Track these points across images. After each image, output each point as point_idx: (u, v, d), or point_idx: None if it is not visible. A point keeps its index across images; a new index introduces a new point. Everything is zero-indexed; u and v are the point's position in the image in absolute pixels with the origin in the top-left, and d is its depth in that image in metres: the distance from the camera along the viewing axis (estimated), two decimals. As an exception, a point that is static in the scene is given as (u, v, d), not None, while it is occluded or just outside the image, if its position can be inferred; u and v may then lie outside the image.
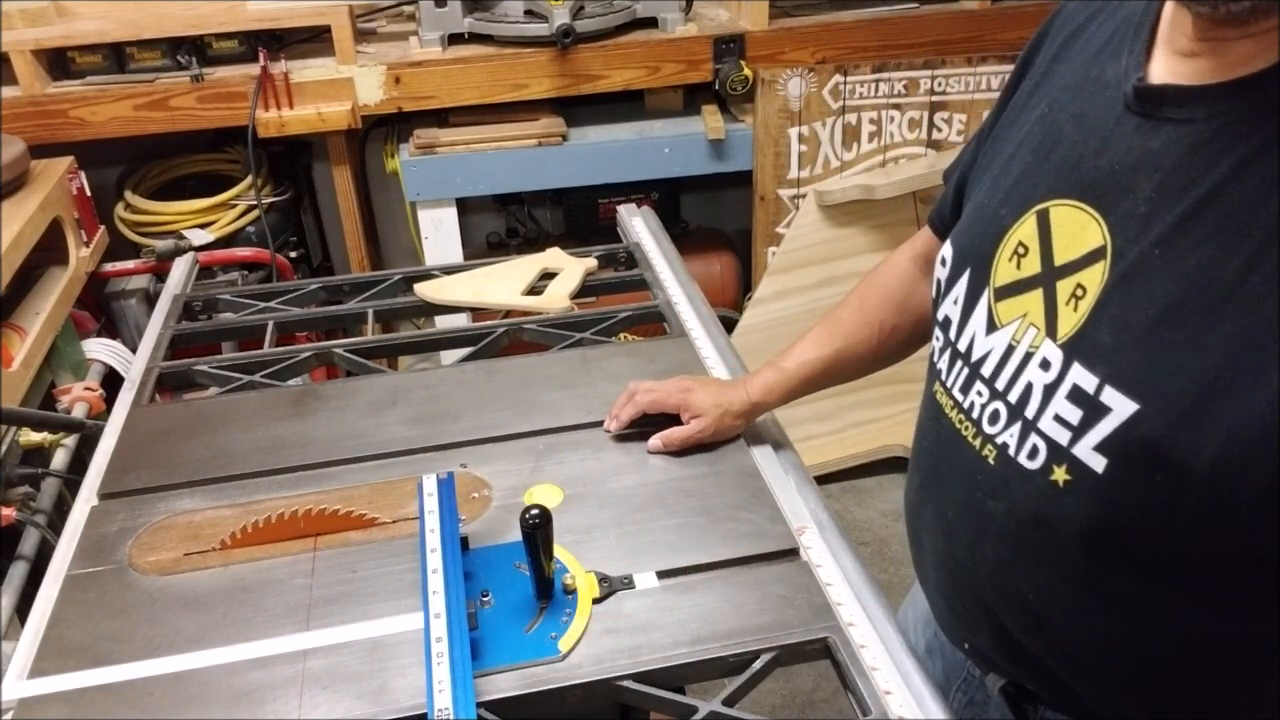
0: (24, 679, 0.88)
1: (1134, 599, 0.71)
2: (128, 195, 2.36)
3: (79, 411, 1.64)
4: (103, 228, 2.20)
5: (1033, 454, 0.72)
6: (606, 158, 2.37)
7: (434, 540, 0.94)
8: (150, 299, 2.19)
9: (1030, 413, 0.72)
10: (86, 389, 1.70)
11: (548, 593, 0.92)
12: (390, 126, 2.49)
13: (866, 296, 1.09)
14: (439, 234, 2.37)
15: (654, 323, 1.44)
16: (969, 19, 2.38)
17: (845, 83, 2.36)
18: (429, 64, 2.26)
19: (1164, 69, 0.68)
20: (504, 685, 0.85)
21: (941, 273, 0.85)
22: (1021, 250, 0.75)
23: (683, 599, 0.93)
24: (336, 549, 1.01)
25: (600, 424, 1.17)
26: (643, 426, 1.14)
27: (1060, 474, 0.70)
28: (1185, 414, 0.61)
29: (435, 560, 0.91)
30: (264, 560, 1.00)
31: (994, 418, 0.76)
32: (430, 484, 1.01)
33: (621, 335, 1.42)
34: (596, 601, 0.92)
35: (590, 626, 0.90)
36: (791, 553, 0.98)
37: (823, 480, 2.54)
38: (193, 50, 2.20)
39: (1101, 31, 0.76)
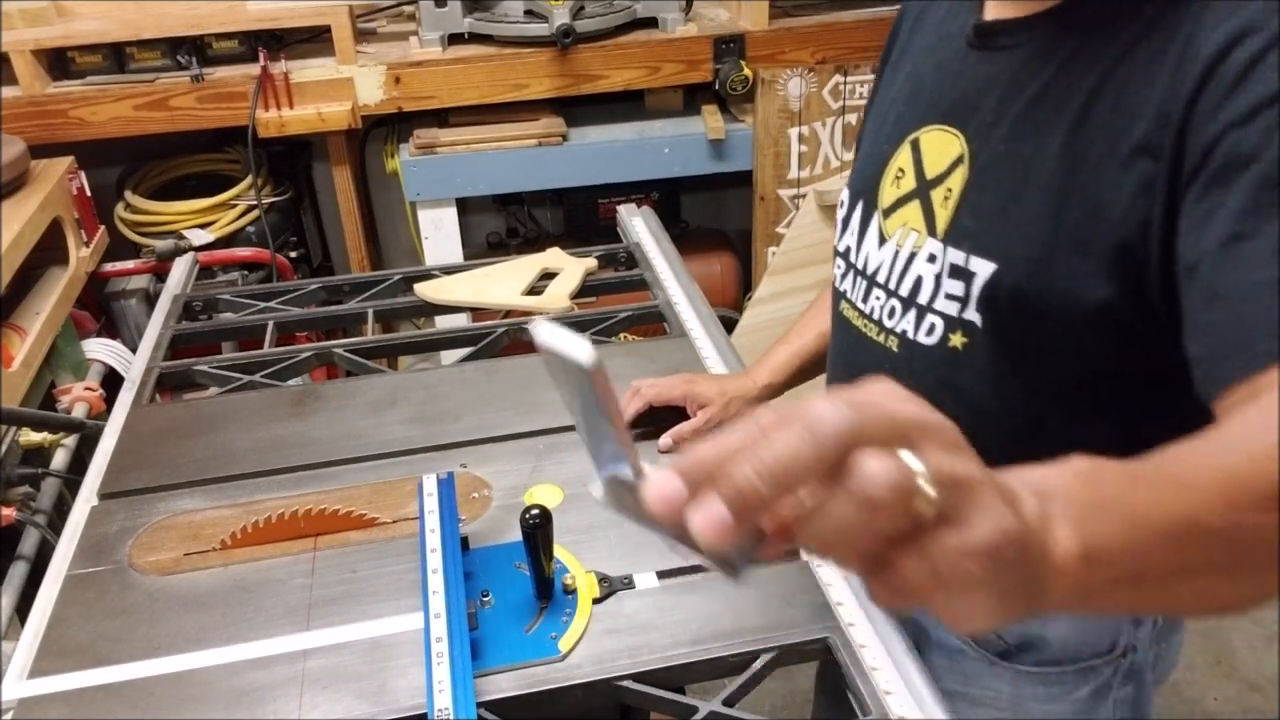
0: (24, 679, 0.88)
1: (1037, 434, 0.82)
2: (128, 195, 2.36)
3: (79, 411, 1.64)
4: (103, 228, 2.20)
5: (930, 331, 0.85)
6: (606, 158, 2.37)
7: (434, 540, 0.94)
8: (150, 299, 2.19)
9: (924, 299, 0.85)
10: (86, 389, 1.69)
11: (548, 593, 0.92)
12: (390, 126, 2.49)
13: None
14: (439, 234, 2.37)
15: (654, 323, 1.44)
16: (969, 19, 2.37)
17: (845, 83, 2.36)
18: (429, 64, 2.26)
19: (994, 11, 0.83)
20: (504, 685, 0.85)
21: (841, 212, 0.98)
22: (900, 173, 0.89)
23: (683, 599, 0.93)
24: (336, 549, 1.01)
25: (600, 424, 1.16)
26: (645, 425, 1.14)
27: (957, 339, 0.83)
28: (1032, 265, 0.76)
29: (435, 560, 0.91)
30: (264, 560, 1.00)
31: (891, 313, 0.89)
32: (430, 484, 1.02)
33: (621, 335, 1.42)
34: (596, 601, 0.92)
35: (590, 626, 0.90)
36: (791, 553, 0.98)
37: (823, 480, 2.53)
38: (193, 50, 2.20)
39: (945, 4, 0.91)
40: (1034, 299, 0.76)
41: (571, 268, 1.56)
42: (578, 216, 2.63)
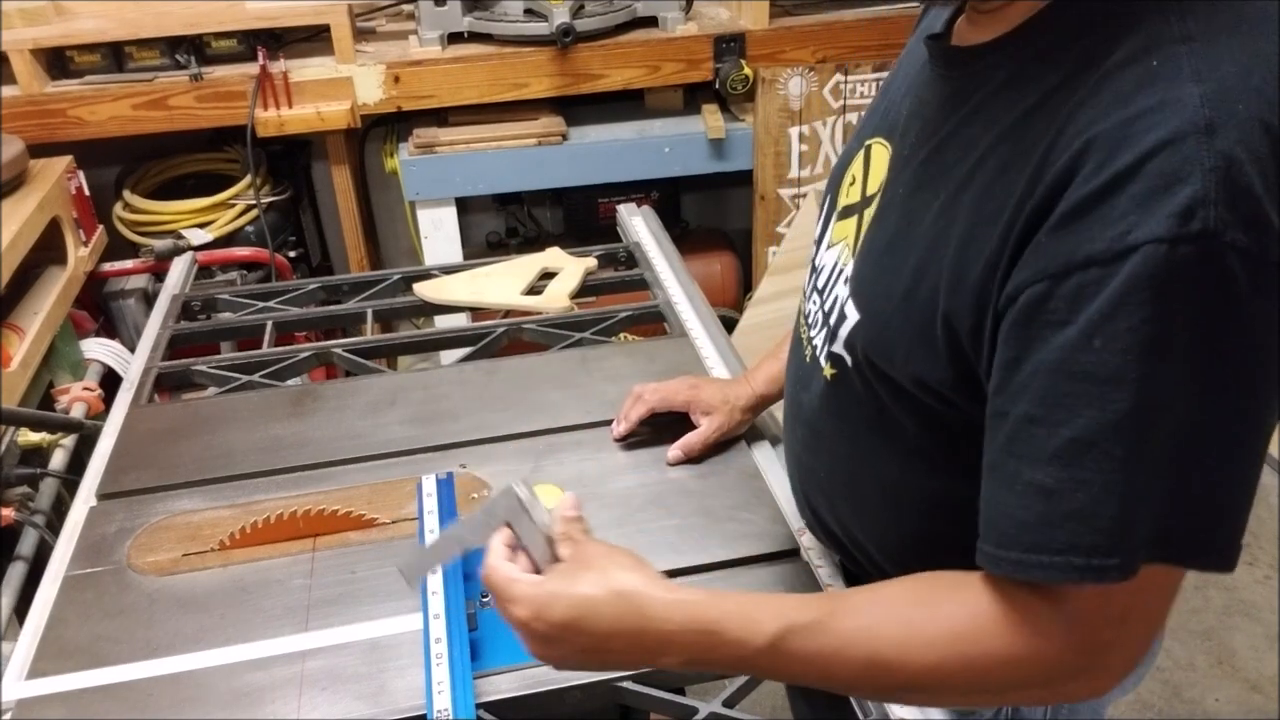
0: (23, 679, 0.88)
1: (887, 474, 0.82)
2: (126, 195, 2.36)
3: (77, 411, 1.64)
4: (101, 227, 2.20)
5: (815, 353, 0.86)
6: (606, 157, 2.37)
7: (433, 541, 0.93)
8: (149, 299, 2.19)
9: (832, 320, 0.84)
10: (85, 389, 1.69)
11: (547, 593, 0.91)
12: (390, 126, 2.48)
13: None
14: (438, 234, 2.37)
15: (654, 323, 1.44)
16: (969, 18, 2.37)
17: (846, 82, 2.36)
18: (428, 63, 2.26)
19: (959, 32, 0.76)
20: (503, 686, 0.84)
21: (819, 202, 0.97)
22: (852, 180, 0.86)
23: (683, 600, 0.92)
24: (335, 549, 1.01)
25: (600, 424, 1.16)
26: (645, 429, 1.13)
27: (827, 369, 0.83)
28: (882, 325, 0.75)
29: (435, 561, 0.91)
30: (263, 561, 1.00)
31: (815, 322, 0.88)
32: (430, 484, 1.01)
33: (621, 335, 1.42)
34: (596, 602, 0.92)
35: (590, 627, 0.89)
36: (792, 553, 0.98)
37: (823, 480, 2.53)
38: (191, 49, 2.20)
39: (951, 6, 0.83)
40: (880, 362, 0.76)
41: (571, 267, 1.56)
42: (577, 216, 2.62)
